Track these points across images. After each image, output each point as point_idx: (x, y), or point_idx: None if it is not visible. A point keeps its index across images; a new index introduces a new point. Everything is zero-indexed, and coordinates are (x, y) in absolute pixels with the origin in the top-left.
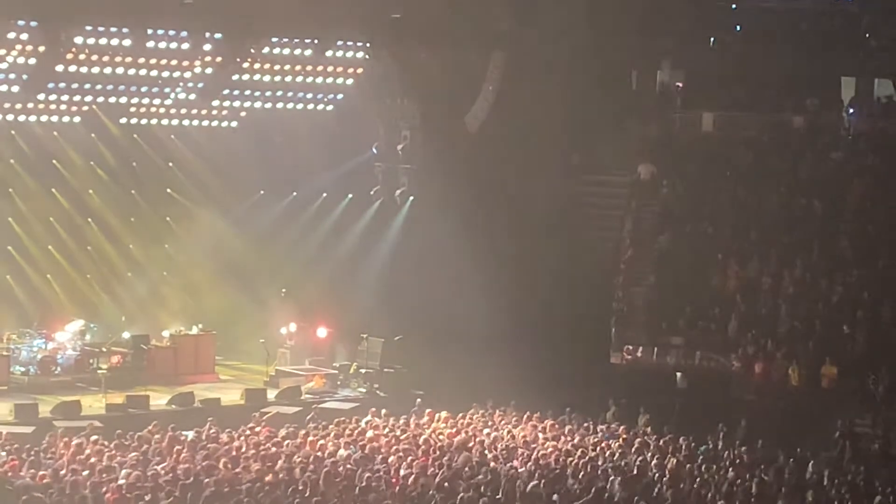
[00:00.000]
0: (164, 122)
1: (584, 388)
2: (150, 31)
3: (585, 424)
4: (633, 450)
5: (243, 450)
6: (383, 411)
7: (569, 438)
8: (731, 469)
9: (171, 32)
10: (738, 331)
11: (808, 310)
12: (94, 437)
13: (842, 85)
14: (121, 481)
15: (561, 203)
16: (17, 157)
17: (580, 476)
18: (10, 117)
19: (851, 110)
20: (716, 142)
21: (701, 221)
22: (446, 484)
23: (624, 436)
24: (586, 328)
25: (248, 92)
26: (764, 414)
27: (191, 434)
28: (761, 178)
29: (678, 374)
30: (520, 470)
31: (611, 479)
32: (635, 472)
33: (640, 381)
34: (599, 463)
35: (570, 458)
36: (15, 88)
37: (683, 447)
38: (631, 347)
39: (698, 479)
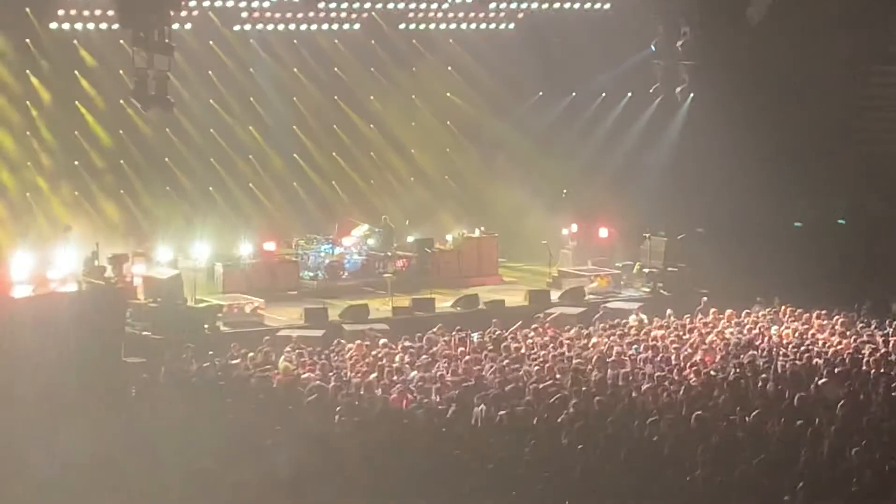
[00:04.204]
0: (442, 26)
1: (874, 283)
2: None
3: (876, 320)
4: None
5: (523, 351)
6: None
7: (859, 335)
8: None
9: None
10: None
11: None
12: (382, 341)
13: None
14: (408, 384)
15: (848, 96)
16: (299, 65)
17: (872, 373)
18: (291, 27)
19: None
20: None
21: None
22: (734, 382)
23: None
24: (876, 222)
25: None
26: None
27: (476, 336)
28: None
29: None
30: (809, 366)
31: None
32: None
33: None
34: (892, 359)
35: (860, 356)
36: None
37: None
38: None
39: None
